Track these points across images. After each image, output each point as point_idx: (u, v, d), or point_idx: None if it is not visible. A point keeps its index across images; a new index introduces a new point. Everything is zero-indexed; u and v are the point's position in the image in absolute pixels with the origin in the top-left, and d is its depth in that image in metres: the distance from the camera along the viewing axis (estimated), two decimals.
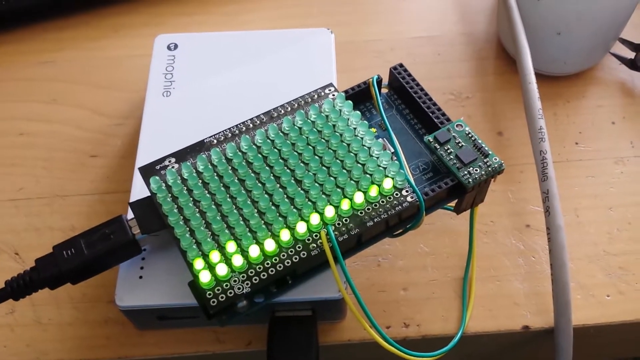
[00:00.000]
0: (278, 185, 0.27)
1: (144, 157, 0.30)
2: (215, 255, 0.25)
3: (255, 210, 0.26)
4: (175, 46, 0.35)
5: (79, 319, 0.31)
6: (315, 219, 0.26)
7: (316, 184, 0.27)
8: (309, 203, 0.26)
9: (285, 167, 0.27)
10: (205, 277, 0.24)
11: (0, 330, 0.31)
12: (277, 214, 0.26)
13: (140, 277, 0.28)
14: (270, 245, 0.25)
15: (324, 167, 0.27)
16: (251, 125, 0.29)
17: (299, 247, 0.26)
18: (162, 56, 0.35)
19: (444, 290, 0.31)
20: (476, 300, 0.31)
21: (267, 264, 0.25)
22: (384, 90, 0.32)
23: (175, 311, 0.28)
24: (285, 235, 0.25)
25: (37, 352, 0.30)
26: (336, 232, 0.26)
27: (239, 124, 0.29)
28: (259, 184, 0.27)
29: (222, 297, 0.24)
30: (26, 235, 0.33)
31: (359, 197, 0.26)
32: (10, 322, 0.31)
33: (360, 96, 0.31)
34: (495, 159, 0.28)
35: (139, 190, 0.30)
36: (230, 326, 0.30)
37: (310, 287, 0.27)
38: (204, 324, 0.29)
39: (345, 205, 0.26)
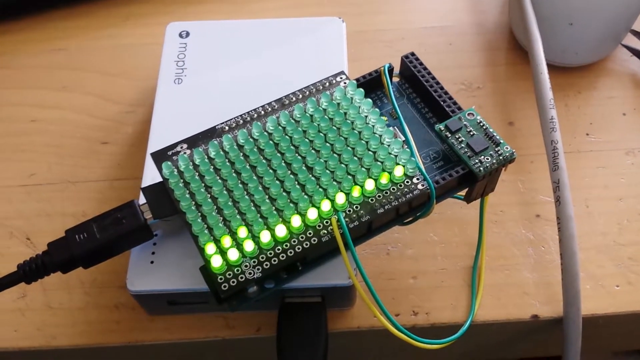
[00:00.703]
0: (289, 172, 0.27)
1: (155, 144, 0.30)
2: (226, 241, 0.25)
3: (267, 197, 0.26)
4: (187, 34, 0.35)
5: (89, 303, 0.31)
6: (326, 205, 0.26)
7: (327, 171, 0.27)
8: (320, 190, 0.26)
9: (297, 154, 0.27)
10: (216, 262, 0.25)
11: (11, 314, 0.31)
12: (288, 200, 0.26)
13: (152, 262, 0.28)
14: (281, 230, 0.25)
15: (335, 154, 0.27)
16: (262, 112, 0.29)
17: (310, 233, 0.26)
18: (173, 44, 0.35)
19: (453, 279, 0.31)
20: (485, 289, 0.31)
21: (278, 249, 0.25)
22: (395, 79, 0.32)
23: (186, 296, 0.28)
24: (296, 221, 0.26)
25: (48, 336, 0.30)
26: (347, 219, 0.26)
27: (251, 110, 0.29)
28: (270, 171, 0.27)
29: (233, 282, 0.25)
30: (37, 221, 0.34)
31: (369, 184, 0.26)
32: (21, 306, 0.31)
33: (371, 84, 0.31)
34: (507, 148, 0.28)
35: (150, 176, 0.30)
36: (240, 312, 0.30)
37: (320, 274, 0.27)
38: (214, 310, 0.29)
39: (356, 192, 0.26)
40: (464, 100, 0.37)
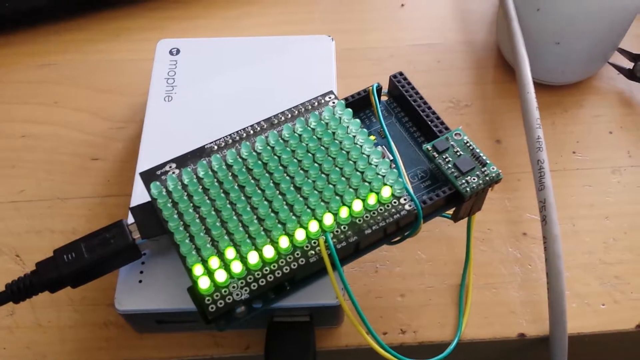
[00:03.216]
0: (277, 192, 0.27)
1: (145, 162, 0.30)
2: (214, 261, 0.25)
3: (255, 217, 0.27)
4: (178, 51, 0.36)
5: (78, 321, 0.31)
6: (314, 226, 0.26)
7: (315, 191, 0.27)
8: (308, 210, 0.27)
9: (285, 174, 0.28)
10: (204, 283, 0.25)
11: None
12: (277, 221, 0.26)
13: (140, 281, 0.28)
14: (269, 251, 0.26)
15: (323, 175, 0.28)
16: (251, 131, 0.29)
17: (298, 254, 0.26)
18: (164, 61, 0.35)
19: (440, 297, 0.32)
20: (472, 307, 0.31)
21: (266, 270, 0.25)
22: (384, 98, 0.32)
23: (175, 316, 0.28)
24: (284, 242, 0.26)
25: (37, 354, 0.30)
26: (334, 240, 0.26)
27: (240, 130, 0.29)
28: (259, 191, 0.27)
29: (220, 303, 0.25)
30: (27, 238, 0.34)
31: (357, 205, 0.27)
32: (10, 324, 0.31)
33: (360, 103, 0.31)
34: (493, 169, 0.28)
35: (139, 194, 0.30)
36: (229, 330, 0.30)
37: (308, 294, 0.27)
38: (203, 328, 0.29)
39: (344, 212, 0.26)
40: (452, 118, 0.38)
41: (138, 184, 0.30)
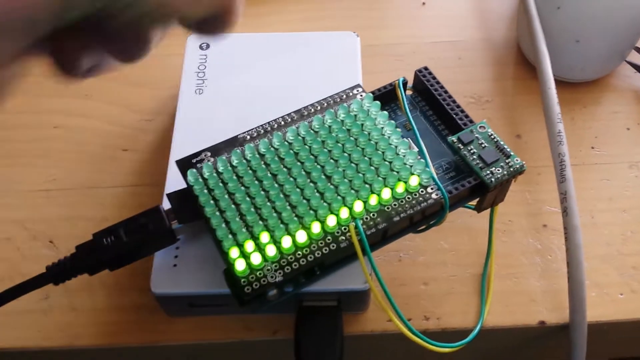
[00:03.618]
0: (309, 180, 0.28)
1: (178, 152, 0.31)
2: (249, 245, 0.26)
3: (287, 204, 0.27)
4: (207, 46, 0.37)
5: (111, 305, 0.32)
6: (344, 213, 0.27)
7: (345, 180, 0.28)
8: (339, 198, 0.27)
9: (316, 163, 0.29)
10: (240, 266, 0.26)
11: (34, 315, 0.32)
12: (308, 208, 0.27)
13: (175, 265, 0.29)
14: (301, 236, 0.26)
15: (352, 164, 0.28)
16: (282, 122, 0.30)
17: (329, 239, 0.27)
18: (194, 55, 0.36)
19: (463, 285, 0.32)
20: (494, 296, 0.32)
21: (299, 254, 0.26)
22: (408, 93, 0.33)
23: (208, 298, 0.29)
24: (316, 227, 0.27)
25: (70, 336, 0.31)
26: (364, 226, 0.27)
27: (271, 121, 0.30)
28: (291, 179, 0.28)
29: (256, 285, 0.26)
30: (59, 224, 0.35)
31: (386, 193, 0.28)
32: (45, 307, 0.32)
33: (385, 97, 0.32)
34: (517, 160, 0.29)
35: (172, 182, 0.31)
36: (258, 315, 0.31)
37: (337, 279, 0.28)
38: (233, 312, 0.30)
39: (373, 200, 0.27)
40: (473, 113, 0.38)
41: (171, 172, 0.31)
